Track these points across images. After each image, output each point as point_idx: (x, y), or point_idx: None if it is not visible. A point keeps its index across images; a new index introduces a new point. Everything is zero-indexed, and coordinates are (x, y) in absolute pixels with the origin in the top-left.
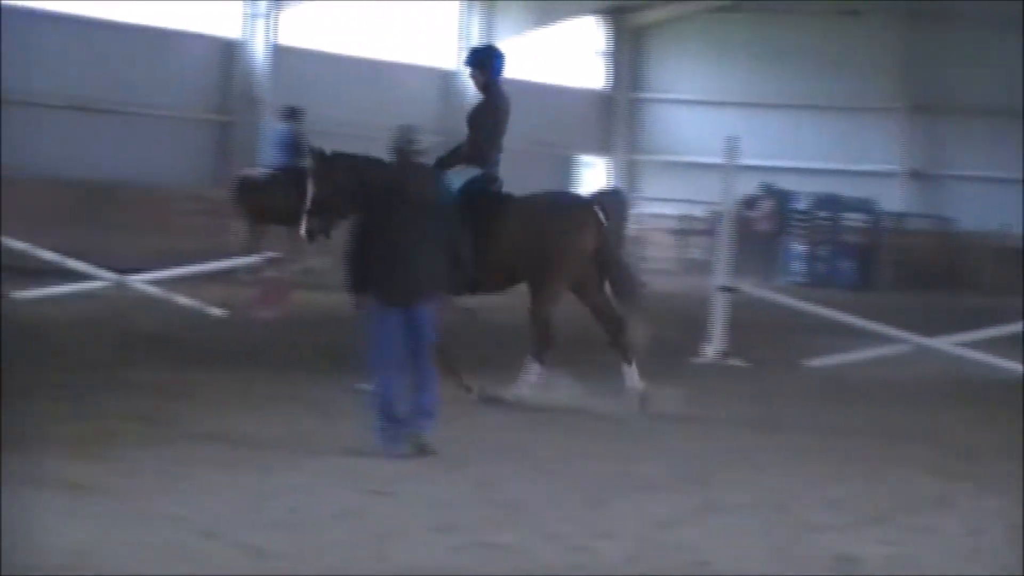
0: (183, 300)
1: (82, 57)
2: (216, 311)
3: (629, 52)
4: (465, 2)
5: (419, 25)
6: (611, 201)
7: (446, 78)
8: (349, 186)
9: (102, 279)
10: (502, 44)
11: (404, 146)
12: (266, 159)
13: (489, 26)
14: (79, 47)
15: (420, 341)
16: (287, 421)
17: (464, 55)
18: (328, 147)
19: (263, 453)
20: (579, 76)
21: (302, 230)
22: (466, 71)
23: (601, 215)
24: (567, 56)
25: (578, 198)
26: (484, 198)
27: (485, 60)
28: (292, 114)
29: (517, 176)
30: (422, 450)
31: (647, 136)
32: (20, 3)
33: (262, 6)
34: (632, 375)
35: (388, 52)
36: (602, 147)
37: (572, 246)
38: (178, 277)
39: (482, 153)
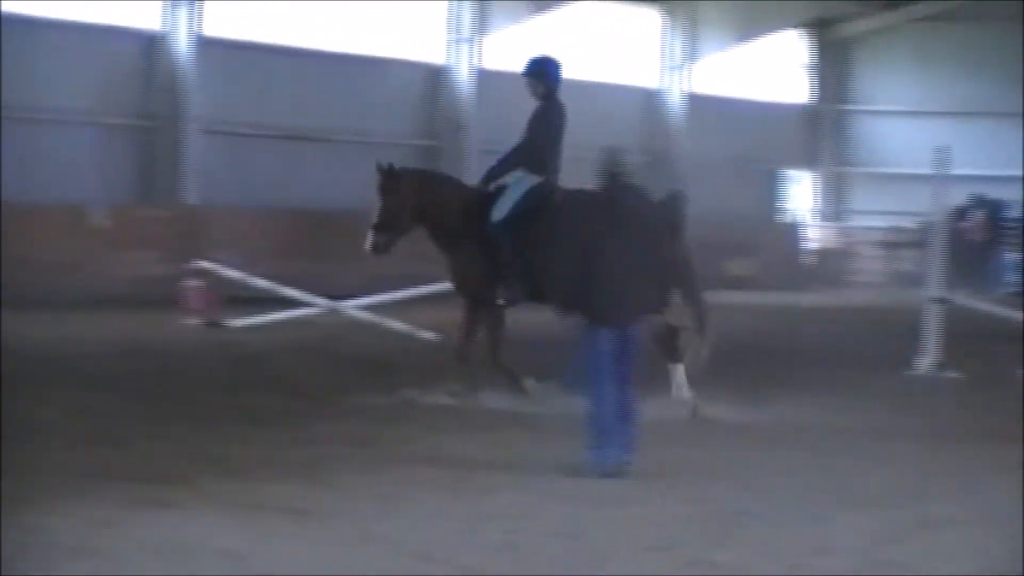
0: (395, 324)
1: (292, 87)
2: (428, 335)
3: (834, 64)
4: (668, 20)
5: (622, 45)
6: (679, 203)
7: (650, 97)
8: (413, 201)
9: (315, 306)
10: (705, 60)
11: (613, 168)
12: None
13: (691, 43)
14: (289, 77)
15: (627, 363)
16: (502, 442)
17: (526, 65)
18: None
19: (479, 475)
20: (783, 90)
21: (367, 244)
22: (524, 80)
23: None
24: (770, 71)
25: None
26: (542, 204)
27: (544, 70)
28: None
29: (723, 192)
30: (622, 473)
31: (854, 149)
32: (228, 37)
33: (466, 32)
34: (681, 381)
35: (593, 72)
36: (808, 161)
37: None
38: (389, 302)
39: (540, 160)
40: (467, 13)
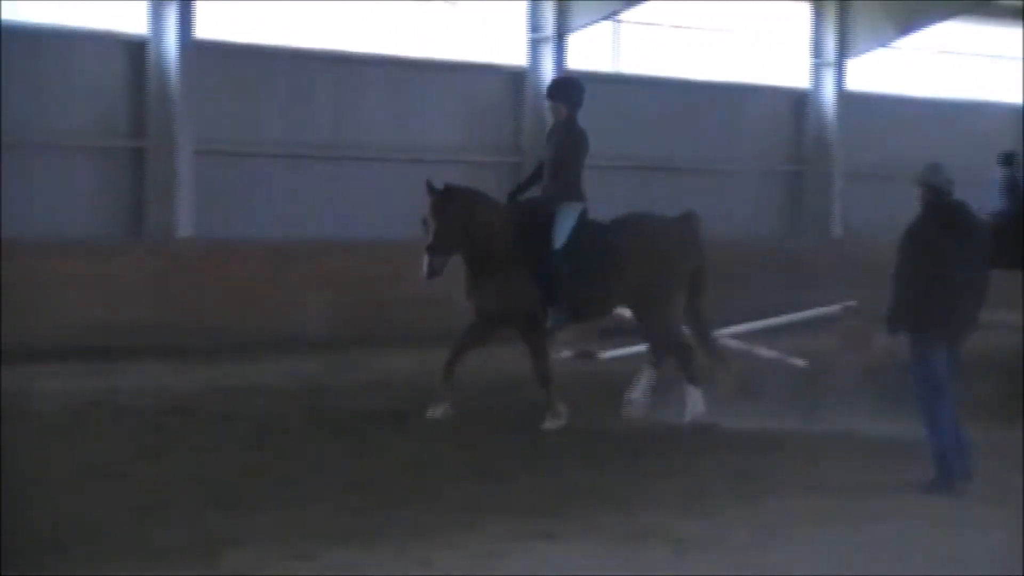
0: (765, 352)
1: (657, 117)
2: (798, 362)
3: None
4: None
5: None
6: (696, 222)
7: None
8: (467, 221)
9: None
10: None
11: (942, 185)
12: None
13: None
14: (655, 107)
15: (953, 382)
16: (879, 469)
17: (551, 87)
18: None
19: (858, 503)
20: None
21: (424, 269)
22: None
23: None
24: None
25: (676, 217)
26: (596, 228)
27: (569, 92)
28: (1008, 160)
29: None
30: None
31: None
32: (594, 70)
33: (830, 56)
34: (696, 399)
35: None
36: None
37: (691, 260)
38: (759, 330)
39: (578, 186)
40: (830, 38)
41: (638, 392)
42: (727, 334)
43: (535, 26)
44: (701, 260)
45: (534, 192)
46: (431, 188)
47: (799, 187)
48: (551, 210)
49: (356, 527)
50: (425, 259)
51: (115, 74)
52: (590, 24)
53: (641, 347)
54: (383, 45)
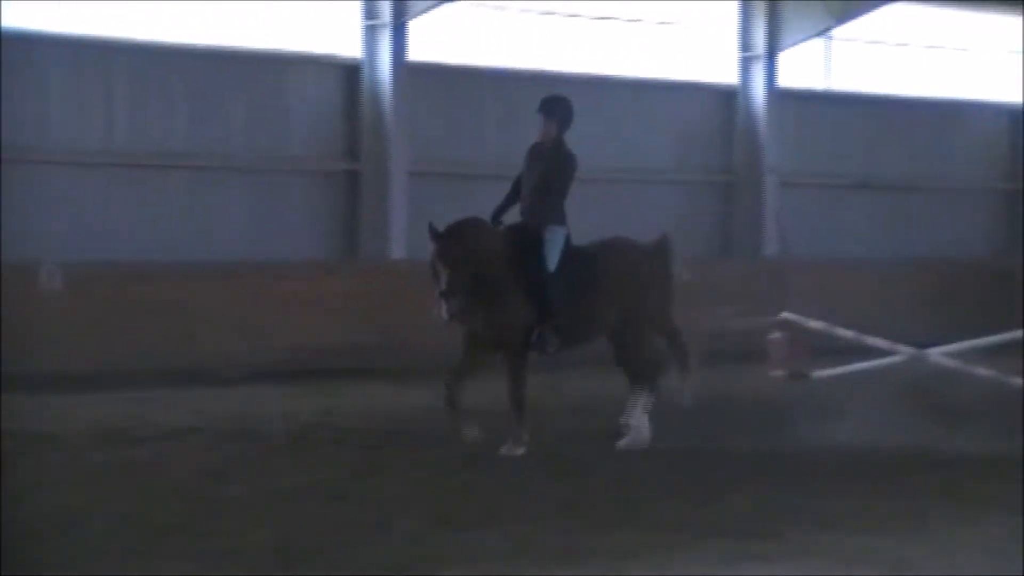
0: (982, 372)
1: (865, 135)
2: (1017, 380)
3: None
4: None
5: None
6: (671, 246)
7: None
8: (470, 255)
9: (900, 353)
10: None
11: None
12: None
13: None
14: (862, 125)
15: None
16: None
17: (544, 103)
18: None
19: None
20: None
21: (443, 313)
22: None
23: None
24: None
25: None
26: (583, 252)
27: (565, 111)
28: None
29: None
30: None
31: None
32: (800, 87)
33: None
34: (643, 425)
35: None
36: None
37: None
38: (975, 348)
39: (562, 210)
40: None
41: (635, 419)
42: (941, 352)
43: (746, 45)
44: (670, 283)
45: (510, 212)
46: (434, 233)
47: (1012, 205)
48: (540, 234)
49: (567, 547)
50: (442, 304)
51: (330, 98)
52: (801, 42)
53: (858, 366)
54: (593, 65)
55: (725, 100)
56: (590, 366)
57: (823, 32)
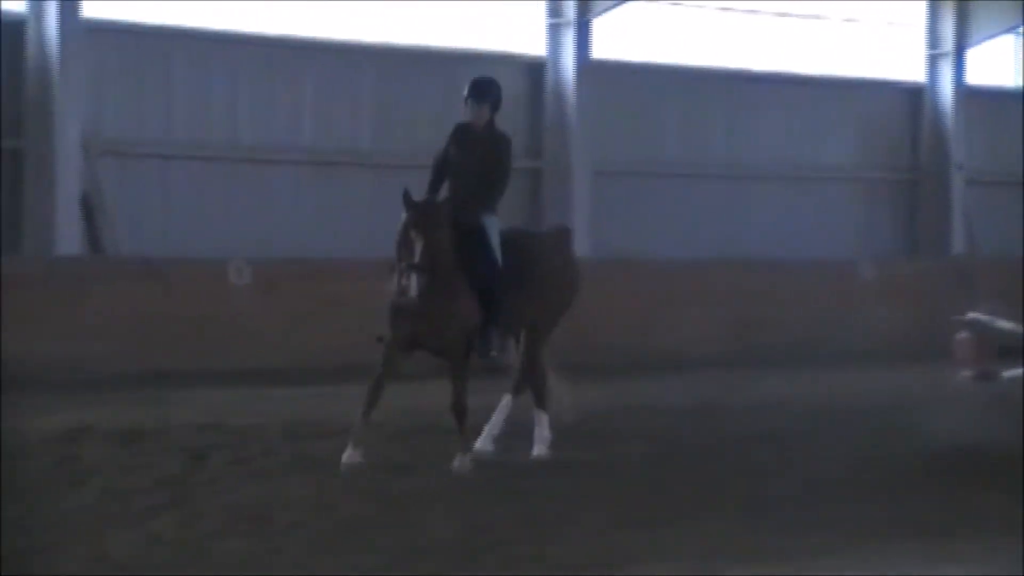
0: None
1: None
2: None
3: None
4: None
5: None
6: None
7: None
8: (447, 237)
9: None
10: None
11: None
12: None
13: None
14: None
15: None
16: None
17: (475, 87)
18: None
19: None
20: None
21: (412, 289)
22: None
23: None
24: None
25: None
26: (514, 243)
27: (496, 95)
28: None
29: None
30: None
31: None
32: (991, 85)
33: None
34: (546, 430)
35: None
36: None
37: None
38: None
39: (498, 199)
40: None
41: (497, 429)
42: None
43: (933, 42)
44: (567, 277)
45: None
46: (410, 201)
47: None
48: (481, 224)
49: (755, 546)
50: (413, 278)
51: (514, 96)
52: (990, 39)
53: None
54: (777, 62)
55: (912, 98)
56: (773, 364)
57: (1012, 28)
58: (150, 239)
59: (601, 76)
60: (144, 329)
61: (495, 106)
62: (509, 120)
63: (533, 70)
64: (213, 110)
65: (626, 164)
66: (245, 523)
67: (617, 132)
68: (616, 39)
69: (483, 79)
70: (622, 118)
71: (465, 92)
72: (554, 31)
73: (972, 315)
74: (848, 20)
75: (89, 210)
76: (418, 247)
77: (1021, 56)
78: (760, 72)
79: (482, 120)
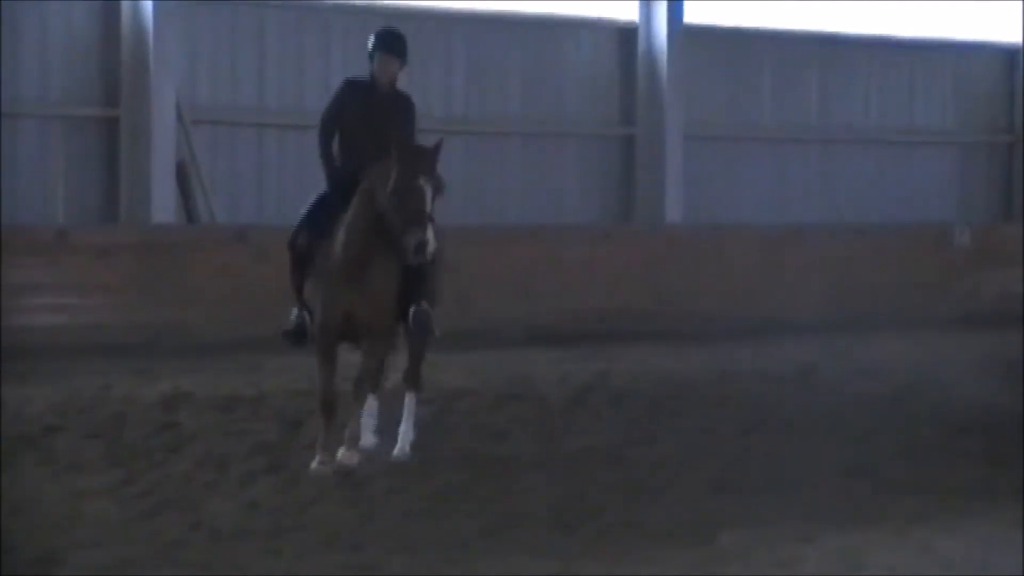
0: None
1: None
2: None
3: None
4: None
5: None
6: None
7: None
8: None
9: None
10: None
11: None
12: None
13: None
14: None
15: None
16: None
17: (385, 39)
18: None
19: None
20: None
21: (430, 247)
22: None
23: None
24: None
25: None
26: None
27: (406, 50)
28: None
29: None
30: None
31: None
32: None
33: None
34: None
35: None
36: None
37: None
38: None
39: None
40: None
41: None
42: None
43: None
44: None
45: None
46: (409, 146)
47: None
48: None
49: (854, 511)
50: (429, 231)
51: (606, 62)
52: None
53: None
54: (870, 25)
55: (1008, 59)
56: (876, 329)
57: None
58: (244, 207)
59: (694, 41)
60: (239, 297)
61: (404, 63)
62: (600, 86)
63: (625, 35)
64: (306, 78)
65: (719, 129)
66: (341, 490)
67: (710, 98)
68: (708, 4)
69: (391, 29)
70: (715, 83)
71: (371, 43)
72: None
73: None
74: None
75: (184, 179)
76: (428, 196)
77: None
78: (853, 35)
79: (390, 77)
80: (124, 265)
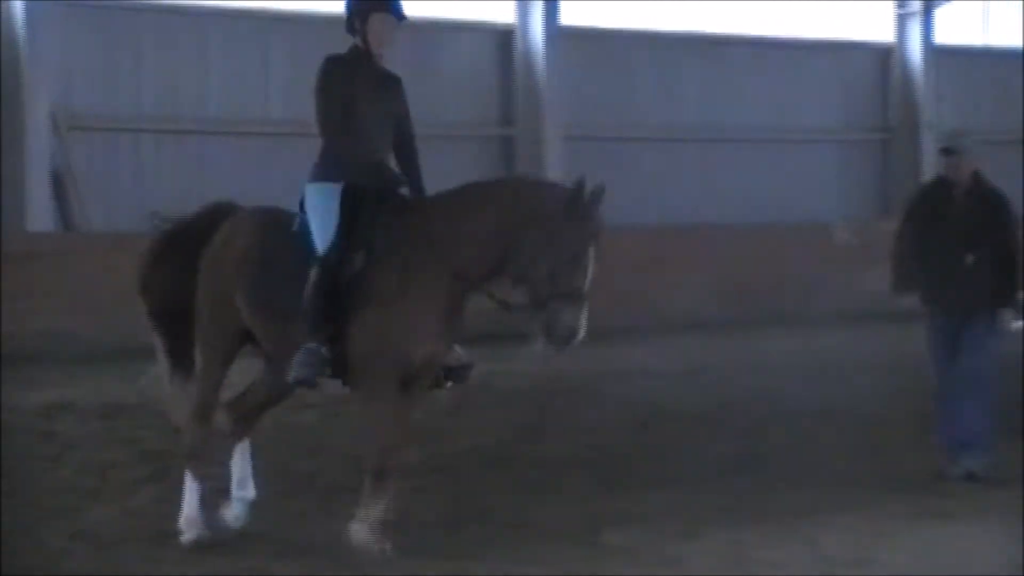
0: None
1: None
2: None
3: None
4: None
5: None
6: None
7: None
8: None
9: None
10: None
11: None
12: None
13: None
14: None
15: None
16: None
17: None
18: None
19: None
20: None
21: (580, 336)
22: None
23: None
24: None
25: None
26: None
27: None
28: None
29: None
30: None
31: None
32: (960, 44)
33: None
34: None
35: None
36: None
37: None
38: None
39: None
40: None
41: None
42: None
43: (902, 2)
44: None
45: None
46: (585, 200)
47: None
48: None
49: (740, 507)
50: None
51: (486, 64)
52: None
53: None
54: (749, 25)
55: (881, 58)
56: (761, 326)
57: None
58: (121, 213)
59: (571, 42)
60: (121, 304)
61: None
62: (479, 88)
63: (504, 39)
64: (182, 84)
65: (599, 130)
66: (222, 496)
67: (590, 99)
68: (587, 5)
69: None
70: (595, 84)
71: (358, 4)
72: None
73: None
74: None
75: (60, 186)
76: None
77: (989, 15)
78: (732, 36)
79: (389, 44)
80: (3, 274)
